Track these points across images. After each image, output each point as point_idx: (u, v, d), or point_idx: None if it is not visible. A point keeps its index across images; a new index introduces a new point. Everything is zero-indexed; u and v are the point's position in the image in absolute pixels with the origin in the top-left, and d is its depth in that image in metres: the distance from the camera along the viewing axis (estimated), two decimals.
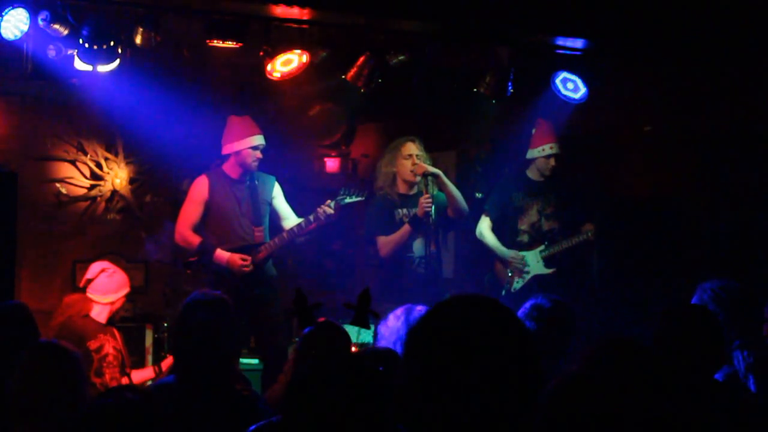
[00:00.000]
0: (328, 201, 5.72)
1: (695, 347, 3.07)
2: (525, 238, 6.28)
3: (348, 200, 5.75)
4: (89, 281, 5.30)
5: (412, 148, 6.01)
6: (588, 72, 6.10)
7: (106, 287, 5.26)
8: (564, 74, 6.10)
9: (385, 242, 5.98)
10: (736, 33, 5.56)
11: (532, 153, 6.26)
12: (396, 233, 5.95)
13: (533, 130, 6.29)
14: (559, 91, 6.09)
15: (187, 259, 5.99)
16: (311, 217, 5.73)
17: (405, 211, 6.04)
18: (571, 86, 6.13)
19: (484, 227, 6.39)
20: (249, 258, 5.74)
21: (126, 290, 5.34)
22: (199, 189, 5.90)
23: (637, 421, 2.08)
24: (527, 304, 3.80)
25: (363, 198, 5.80)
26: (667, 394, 2.37)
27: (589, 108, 6.25)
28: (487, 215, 6.40)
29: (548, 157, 6.20)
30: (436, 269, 6.04)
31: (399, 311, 3.73)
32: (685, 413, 2.60)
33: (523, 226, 6.30)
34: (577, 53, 6.06)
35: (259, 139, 5.85)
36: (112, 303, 5.26)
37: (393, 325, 3.69)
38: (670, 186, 6.46)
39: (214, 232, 5.89)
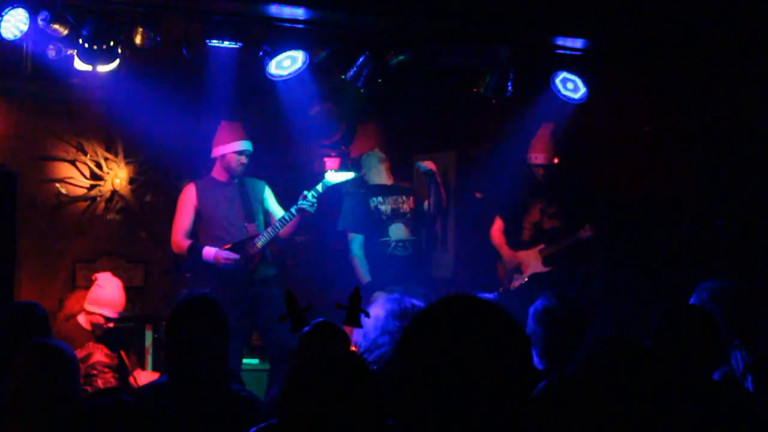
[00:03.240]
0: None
1: (694, 347, 3.07)
2: (527, 236, 6.32)
3: (337, 180, 5.79)
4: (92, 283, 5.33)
5: (376, 151, 6.23)
6: (588, 72, 6.11)
7: (89, 297, 5.26)
8: (564, 74, 6.11)
9: (353, 260, 6.09)
10: (735, 32, 5.56)
11: (528, 158, 6.34)
12: (358, 268, 6.06)
13: (536, 134, 6.35)
14: (559, 91, 6.09)
15: (180, 262, 6.06)
16: (300, 203, 5.77)
17: (380, 199, 6.12)
18: (571, 86, 6.13)
19: (496, 229, 6.46)
20: (235, 254, 5.78)
21: (104, 311, 5.24)
22: (188, 197, 5.99)
23: (631, 421, 2.08)
24: (538, 305, 3.78)
25: (353, 175, 5.89)
26: (664, 394, 2.37)
27: (589, 108, 6.25)
28: (499, 216, 6.45)
29: (537, 167, 6.25)
30: (414, 253, 6.12)
31: (377, 305, 3.79)
32: (682, 413, 2.60)
33: (527, 224, 6.34)
34: (577, 53, 6.06)
35: (243, 144, 5.94)
36: (89, 314, 5.23)
37: (375, 315, 3.72)
38: (670, 186, 6.45)
39: (209, 236, 5.94)
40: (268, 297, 5.89)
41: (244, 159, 5.95)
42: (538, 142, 6.33)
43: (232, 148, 5.93)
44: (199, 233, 5.96)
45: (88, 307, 5.24)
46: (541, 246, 6.25)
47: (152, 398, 3.04)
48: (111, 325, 5.31)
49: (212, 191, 5.96)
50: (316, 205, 5.76)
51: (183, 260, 6.10)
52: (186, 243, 5.88)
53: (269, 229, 5.89)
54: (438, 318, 1.62)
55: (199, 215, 5.95)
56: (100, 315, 5.25)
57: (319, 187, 5.77)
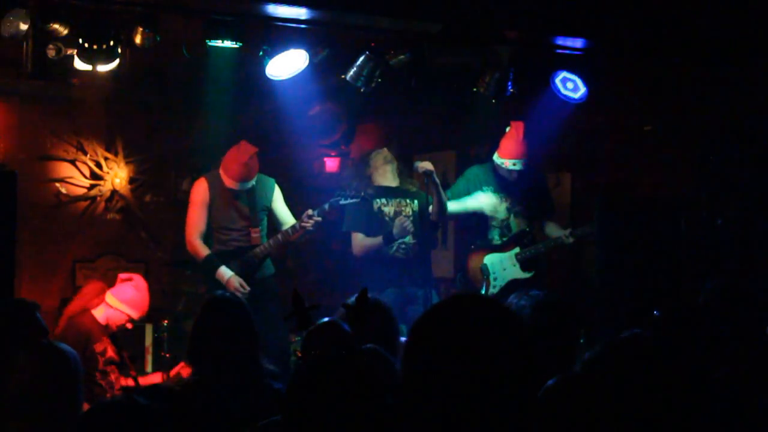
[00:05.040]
0: (325, 204, 5.78)
1: (693, 346, 3.07)
2: (495, 235, 6.24)
3: (343, 202, 5.79)
4: (121, 280, 5.31)
5: (384, 150, 6.16)
6: (588, 72, 6.10)
7: (122, 294, 5.25)
8: (564, 74, 6.10)
9: (361, 244, 6.06)
10: (736, 32, 5.56)
11: (497, 159, 6.21)
12: (371, 241, 6.02)
13: (507, 130, 6.22)
14: (559, 90, 6.09)
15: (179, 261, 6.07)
16: (305, 218, 5.76)
17: (383, 201, 6.07)
18: (571, 86, 6.13)
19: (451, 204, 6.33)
20: (247, 287, 5.74)
21: (133, 312, 5.26)
22: (201, 192, 5.96)
23: (633, 421, 2.08)
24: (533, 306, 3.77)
25: (359, 200, 5.82)
26: (666, 394, 2.38)
27: (589, 108, 6.25)
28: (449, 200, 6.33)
29: (509, 170, 6.17)
30: (415, 255, 6.05)
31: None
32: (683, 413, 2.59)
33: (494, 223, 6.26)
34: (577, 53, 6.06)
35: (241, 186, 5.86)
36: (113, 309, 5.23)
37: None
38: (670, 186, 6.45)
39: (212, 234, 5.95)
40: (266, 297, 5.90)
41: (238, 193, 5.88)
42: (508, 142, 6.17)
43: (228, 183, 5.86)
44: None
45: (117, 303, 5.23)
46: (516, 249, 6.16)
47: (185, 398, 3.06)
48: (130, 326, 5.33)
49: (222, 191, 5.93)
50: (319, 223, 5.76)
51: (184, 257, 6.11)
52: (203, 252, 5.87)
53: (271, 241, 5.88)
54: (444, 317, 1.62)
55: (209, 213, 5.95)
56: (127, 315, 5.26)
57: (326, 207, 5.75)
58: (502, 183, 6.22)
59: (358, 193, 5.81)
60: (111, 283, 5.42)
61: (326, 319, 3.50)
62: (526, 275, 6.11)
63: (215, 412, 3.05)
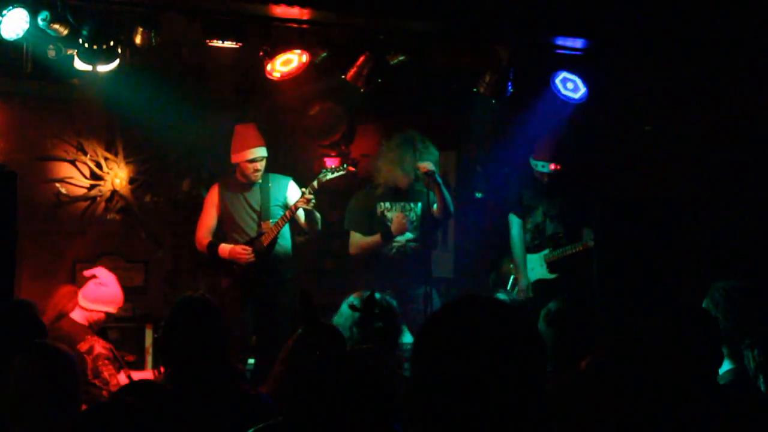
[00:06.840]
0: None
1: (693, 348, 3.06)
2: (529, 238, 6.28)
3: (330, 176, 5.91)
4: (84, 277, 5.32)
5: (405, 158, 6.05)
6: (588, 72, 6.10)
7: (89, 294, 5.24)
8: (564, 74, 6.10)
9: (358, 244, 6.11)
10: (736, 32, 5.56)
11: (532, 162, 6.29)
12: (369, 239, 6.03)
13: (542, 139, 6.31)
14: (559, 91, 6.09)
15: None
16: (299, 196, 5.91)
17: (387, 205, 6.07)
18: (571, 86, 6.13)
19: (516, 232, 6.33)
20: (250, 248, 5.93)
21: (108, 308, 5.23)
22: (211, 198, 6.18)
23: (635, 421, 2.09)
24: (551, 306, 3.78)
25: (344, 172, 5.93)
26: (666, 395, 2.38)
27: (589, 108, 6.25)
28: (515, 214, 6.33)
29: (542, 173, 6.21)
30: (414, 257, 6.03)
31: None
32: (683, 413, 2.60)
33: (529, 225, 6.29)
34: (577, 53, 6.06)
35: (255, 152, 5.99)
36: (89, 311, 5.22)
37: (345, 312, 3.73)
38: (670, 186, 6.45)
39: (227, 234, 6.12)
40: (278, 300, 5.98)
41: (257, 166, 6.01)
42: (542, 149, 6.25)
43: (243, 156, 5.99)
44: (219, 232, 6.16)
45: (88, 305, 5.22)
46: (546, 251, 6.20)
47: (154, 400, 3.05)
48: (109, 319, 5.33)
49: (233, 193, 6.11)
50: (314, 200, 5.80)
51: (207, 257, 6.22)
52: (206, 241, 6.09)
53: (273, 226, 5.97)
54: (452, 318, 1.61)
55: (220, 215, 6.13)
56: (102, 312, 5.24)
57: (315, 183, 5.82)
58: (539, 186, 6.26)
59: (342, 166, 5.94)
60: (81, 283, 5.41)
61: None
62: (552, 277, 6.15)
63: (181, 412, 3.04)
